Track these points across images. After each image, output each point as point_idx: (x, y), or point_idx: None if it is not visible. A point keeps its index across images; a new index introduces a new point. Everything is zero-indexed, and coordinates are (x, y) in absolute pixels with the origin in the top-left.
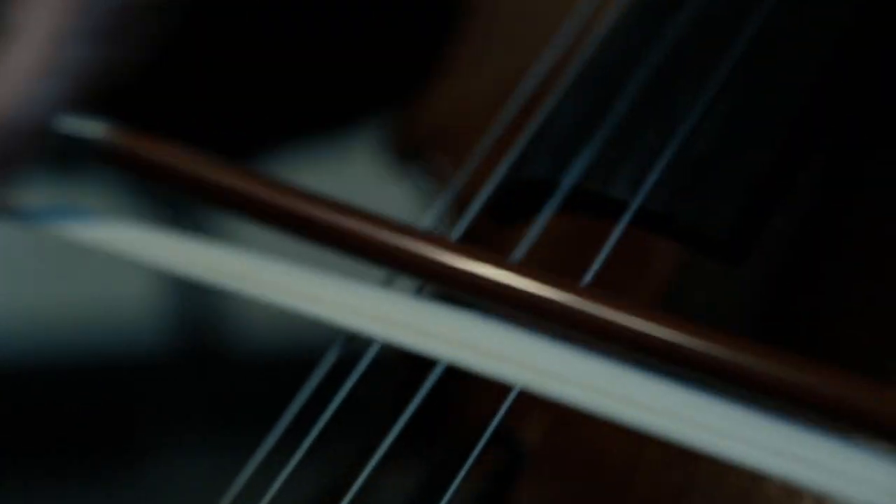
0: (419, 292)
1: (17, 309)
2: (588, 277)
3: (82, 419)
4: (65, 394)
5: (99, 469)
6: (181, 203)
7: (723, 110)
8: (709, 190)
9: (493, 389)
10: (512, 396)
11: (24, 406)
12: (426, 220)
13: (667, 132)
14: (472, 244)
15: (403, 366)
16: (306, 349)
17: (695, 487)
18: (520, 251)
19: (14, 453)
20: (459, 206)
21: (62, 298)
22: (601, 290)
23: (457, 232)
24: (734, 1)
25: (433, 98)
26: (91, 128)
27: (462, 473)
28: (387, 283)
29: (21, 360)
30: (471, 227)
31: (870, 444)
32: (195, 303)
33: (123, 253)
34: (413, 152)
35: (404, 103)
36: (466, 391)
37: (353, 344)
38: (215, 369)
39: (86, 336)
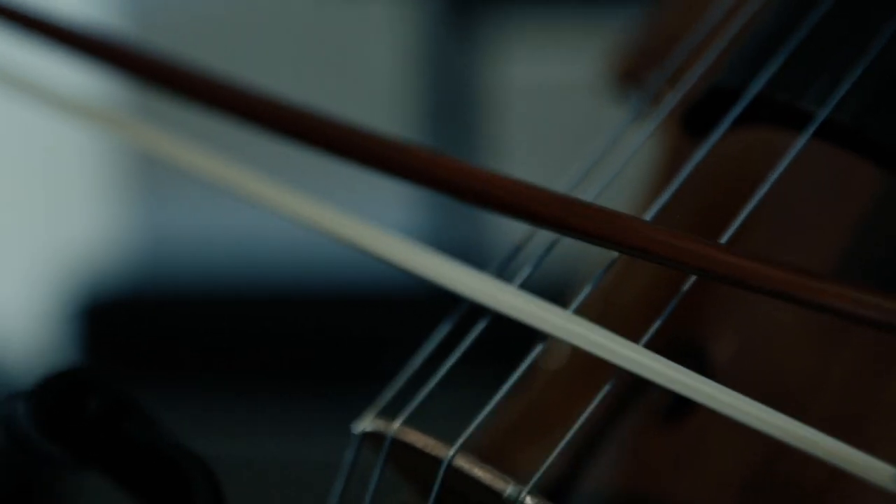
0: None
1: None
2: (761, 194)
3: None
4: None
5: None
6: None
7: None
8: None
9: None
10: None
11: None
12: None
13: (861, 45)
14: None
15: None
16: None
17: (875, 416)
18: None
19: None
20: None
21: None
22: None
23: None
24: None
25: (657, 22)
26: None
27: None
28: None
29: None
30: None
31: None
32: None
33: None
34: (636, 76)
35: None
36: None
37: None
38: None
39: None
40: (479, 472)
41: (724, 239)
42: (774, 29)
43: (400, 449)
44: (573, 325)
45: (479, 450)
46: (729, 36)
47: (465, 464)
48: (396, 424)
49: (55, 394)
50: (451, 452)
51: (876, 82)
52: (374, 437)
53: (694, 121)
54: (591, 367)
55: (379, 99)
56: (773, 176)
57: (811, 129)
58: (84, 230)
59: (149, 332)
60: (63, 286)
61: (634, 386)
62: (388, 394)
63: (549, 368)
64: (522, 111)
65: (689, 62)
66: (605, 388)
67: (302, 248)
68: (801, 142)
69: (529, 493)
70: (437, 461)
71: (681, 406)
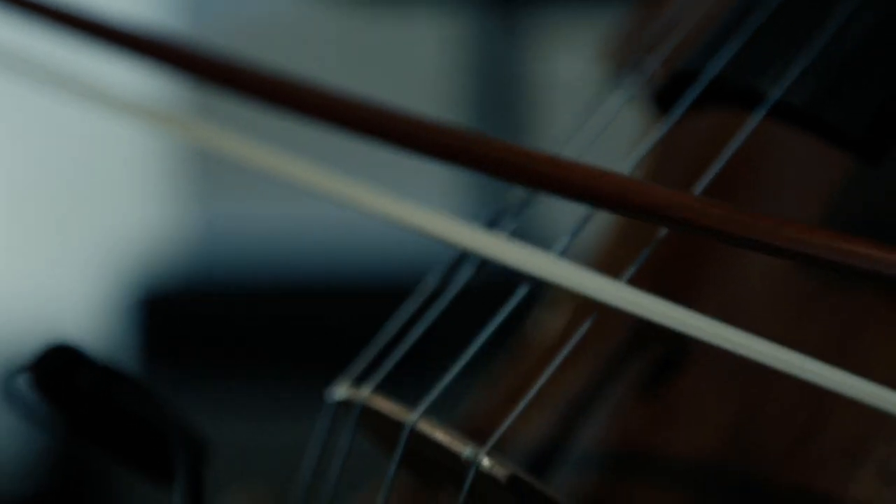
0: None
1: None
2: (717, 168)
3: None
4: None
5: None
6: None
7: (874, 12)
8: (851, 88)
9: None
10: None
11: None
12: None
13: (817, 28)
14: None
15: None
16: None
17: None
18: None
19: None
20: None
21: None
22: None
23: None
24: None
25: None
26: None
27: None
28: None
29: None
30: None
31: None
32: None
33: None
34: (633, 60)
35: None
36: None
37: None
38: None
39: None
40: (440, 436)
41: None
42: (737, 12)
43: (371, 416)
44: (555, 267)
45: (471, 425)
46: (696, 19)
47: (426, 428)
48: (366, 392)
49: (51, 365)
50: (414, 417)
51: (831, 65)
52: (347, 406)
53: (663, 103)
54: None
55: (428, 101)
56: (726, 154)
57: (762, 110)
58: (141, 223)
59: (204, 323)
60: (120, 278)
61: (616, 356)
62: (362, 362)
63: (539, 342)
64: (568, 105)
65: (680, 44)
66: (583, 328)
67: (355, 239)
68: (752, 122)
69: (487, 454)
70: (401, 426)
71: (660, 375)
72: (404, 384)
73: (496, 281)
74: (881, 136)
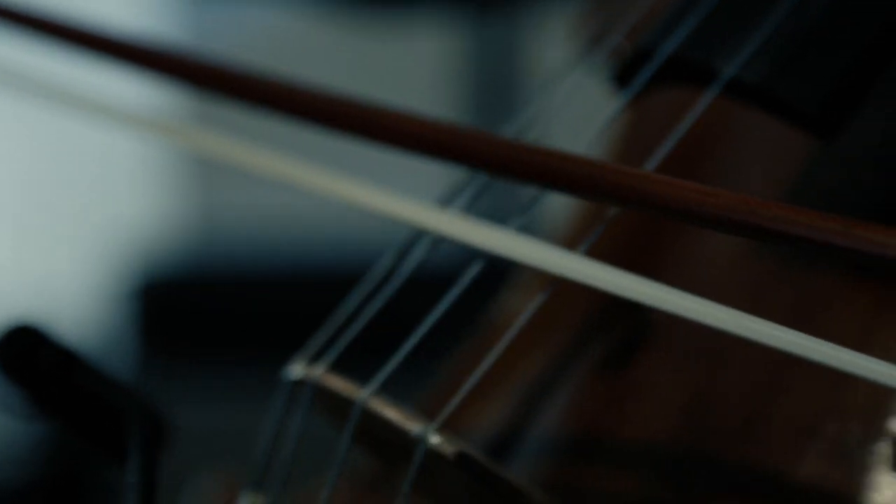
0: None
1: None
2: (669, 145)
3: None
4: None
5: None
6: None
7: None
8: (805, 64)
9: None
10: None
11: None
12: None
13: (769, 5)
14: None
15: None
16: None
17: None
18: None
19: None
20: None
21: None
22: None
23: None
24: None
25: None
26: None
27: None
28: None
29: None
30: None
31: None
32: None
33: None
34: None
35: None
36: None
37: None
38: None
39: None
40: (390, 413)
41: None
42: None
43: (325, 395)
44: (510, 242)
45: (429, 405)
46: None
47: (377, 405)
48: (319, 371)
49: (14, 346)
50: (365, 394)
51: (785, 42)
52: (302, 385)
53: (622, 80)
54: (540, 320)
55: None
56: (679, 132)
57: (716, 88)
58: (139, 211)
59: (201, 311)
60: (117, 266)
61: (575, 338)
62: (318, 342)
63: (504, 324)
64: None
65: (640, 21)
66: (537, 301)
67: (352, 228)
68: (705, 100)
69: (438, 433)
70: (352, 403)
71: (618, 357)
72: (367, 364)
73: (460, 261)
74: (836, 112)
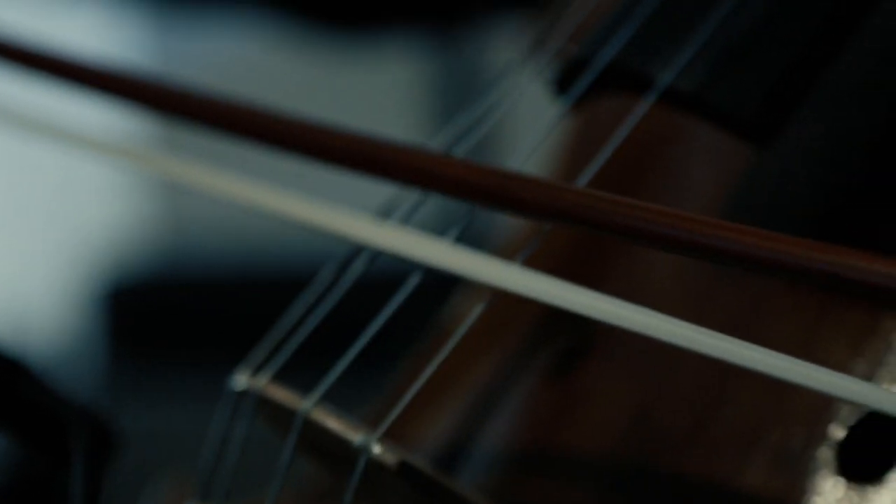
0: None
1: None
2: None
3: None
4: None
5: None
6: None
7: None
8: (739, 71)
9: None
10: None
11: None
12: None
13: (704, 13)
14: None
15: None
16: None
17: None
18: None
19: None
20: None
21: None
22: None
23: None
24: None
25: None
26: None
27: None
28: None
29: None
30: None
31: None
32: None
33: None
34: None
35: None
36: None
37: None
38: None
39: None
40: (332, 424)
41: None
42: None
43: (268, 406)
44: (447, 254)
45: (374, 415)
46: (590, 5)
47: (319, 416)
48: (262, 381)
49: None
50: (307, 405)
51: (720, 49)
52: (246, 395)
53: (561, 88)
54: (484, 326)
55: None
56: (617, 138)
57: (652, 96)
58: (107, 216)
59: (170, 314)
60: (86, 270)
61: (521, 347)
62: (261, 352)
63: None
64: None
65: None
66: (475, 313)
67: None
68: (641, 108)
69: (380, 443)
70: (294, 413)
71: (564, 364)
72: (314, 373)
73: (406, 267)
74: (770, 118)
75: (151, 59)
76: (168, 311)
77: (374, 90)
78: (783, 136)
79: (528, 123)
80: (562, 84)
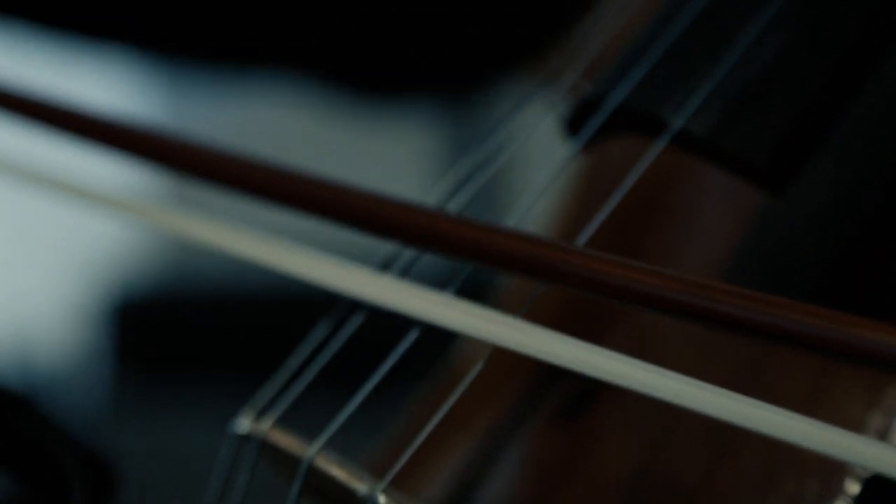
0: None
1: None
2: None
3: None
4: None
5: None
6: None
7: (776, 39)
8: (753, 116)
9: None
10: None
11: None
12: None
13: (717, 57)
14: None
15: None
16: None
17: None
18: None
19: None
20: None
21: None
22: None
23: None
24: None
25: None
26: None
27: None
28: None
29: None
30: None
31: None
32: None
33: None
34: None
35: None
36: None
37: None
38: None
39: None
40: (336, 471)
41: (580, 241)
42: (646, 37)
43: (272, 449)
44: (445, 310)
45: (379, 460)
46: (603, 44)
47: (324, 463)
48: (266, 425)
49: None
50: (311, 452)
51: (733, 93)
52: (248, 438)
53: (572, 128)
54: (491, 373)
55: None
56: (628, 182)
57: (664, 139)
58: (114, 232)
59: (177, 332)
60: (93, 287)
61: (527, 393)
62: (266, 394)
63: (459, 374)
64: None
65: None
66: (473, 372)
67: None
68: (653, 152)
69: (385, 492)
70: (299, 461)
71: (574, 408)
72: (316, 415)
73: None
74: (784, 166)
75: (165, 116)
76: (174, 327)
77: (390, 154)
78: (796, 184)
79: (539, 162)
80: (573, 124)
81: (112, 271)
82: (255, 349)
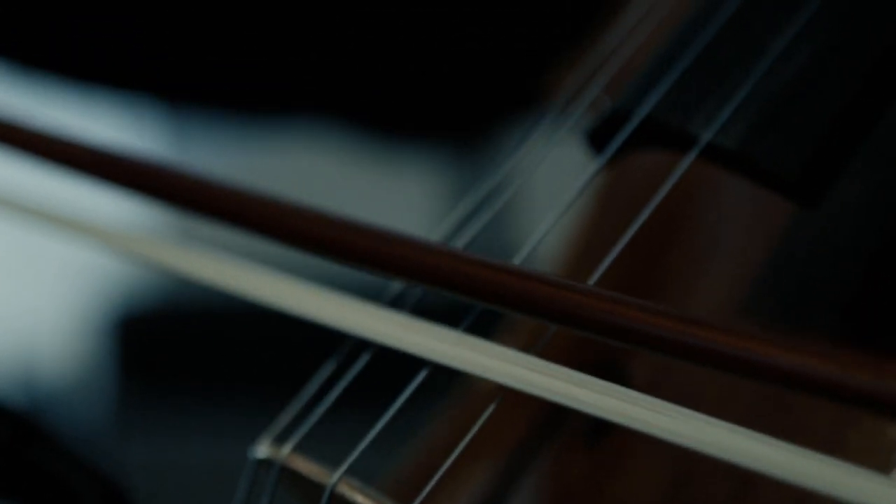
0: None
1: None
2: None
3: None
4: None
5: None
6: None
7: (806, 49)
8: (783, 129)
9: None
10: None
11: None
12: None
13: (747, 68)
14: None
15: None
16: None
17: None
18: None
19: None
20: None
21: None
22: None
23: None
24: None
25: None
26: None
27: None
28: None
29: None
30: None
31: None
32: None
33: None
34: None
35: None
36: None
37: None
38: None
39: None
40: (360, 499)
41: (609, 258)
42: (670, 49)
43: (292, 476)
44: (453, 349)
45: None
46: (624, 58)
47: (346, 490)
48: (286, 451)
49: None
50: (334, 479)
51: (763, 105)
52: (267, 463)
53: (596, 143)
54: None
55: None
56: (657, 198)
57: (693, 153)
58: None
59: (181, 345)
60: (96, 300)
61: (549, 417)
62: (285, 419)
63: (477, 397)
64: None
65: (614, 79)
66: (486, 413)
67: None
68: (683, 164)
69: None
70: (321, 488)
71: (599, 429)
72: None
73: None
74: (816, 178)
75: (167, 151)
76: (178, 341)
77: (402, 194)
78: (828, 196)
79: (560, 179)
80: (595, 139)
81: (115, 285)
82: (259, 362)
